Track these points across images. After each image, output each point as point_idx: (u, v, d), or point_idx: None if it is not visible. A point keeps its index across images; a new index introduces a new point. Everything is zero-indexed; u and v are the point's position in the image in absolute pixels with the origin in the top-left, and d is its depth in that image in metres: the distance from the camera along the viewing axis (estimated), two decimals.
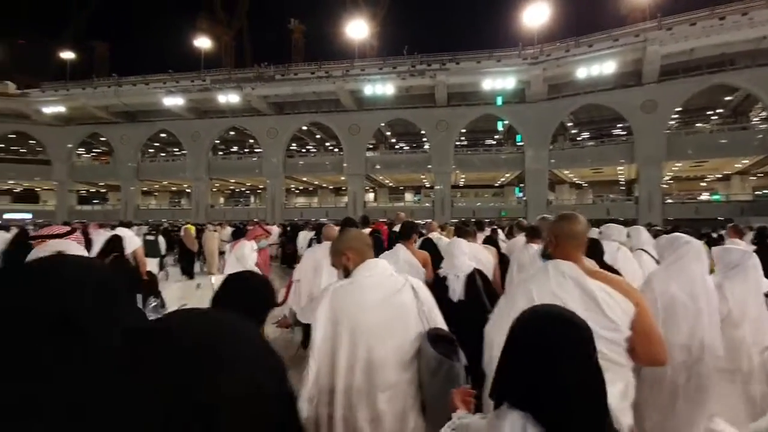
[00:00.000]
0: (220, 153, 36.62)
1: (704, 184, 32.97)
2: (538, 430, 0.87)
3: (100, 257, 3.83)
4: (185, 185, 35.28)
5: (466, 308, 3.06)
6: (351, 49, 32.57)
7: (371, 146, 32.65)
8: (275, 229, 11.62)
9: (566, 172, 30.60)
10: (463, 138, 33.17)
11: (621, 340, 1.53)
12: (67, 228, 1.92)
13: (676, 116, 25.76)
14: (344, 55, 30.94)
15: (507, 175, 32.79)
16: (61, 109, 31.61)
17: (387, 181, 37.73)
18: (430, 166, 28.79)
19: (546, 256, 1.77)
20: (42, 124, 32.74)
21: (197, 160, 31.54)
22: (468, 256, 3.36)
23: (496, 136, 34.79)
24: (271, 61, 30.17)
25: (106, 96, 31.10)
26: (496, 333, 1.62)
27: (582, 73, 23.94)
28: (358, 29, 33.34)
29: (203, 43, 36.95)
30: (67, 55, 37.47)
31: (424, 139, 31.06)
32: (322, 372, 1.66)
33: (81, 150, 37.43)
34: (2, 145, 35.98)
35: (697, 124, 28.27)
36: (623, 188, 36.10)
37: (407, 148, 35.31)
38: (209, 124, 31.92)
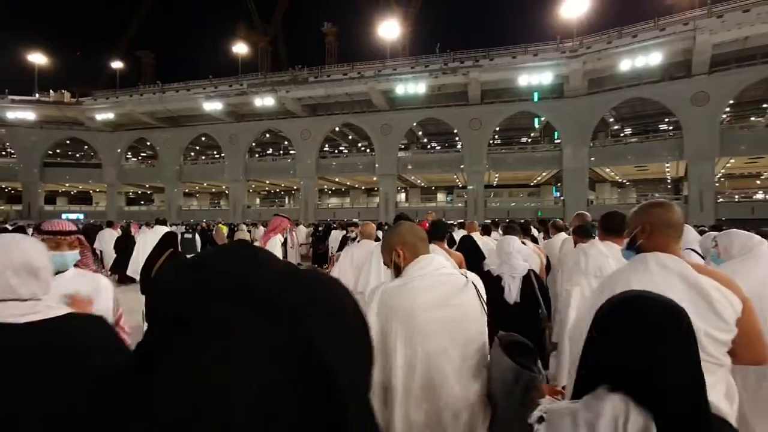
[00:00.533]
0: (257, 155, 37.68)
1: (759, 182, 30.65)
2: (643, 416, 0.83)
3: (156, 251, 3.96)
4: (224, 186, 36.58)
5: (522, 310, 2.95)
6: (383, 50, 32.71)
7: (403, 146, 32.60)
8: (302, 229, 11.75)
9: (608, 170, 29.31)
10: (497, 136, 32.49)
11: (729, 340, 1.41)
12: (74, 227, 1.97)
13: (729, 109, 24.05)
14: (377, 56, 31.11)
15: (543, 174, 31.80)
16: (110, 115, 33.60)
17: (419, 181, 37.54)
18: (462, 166, 28.38)
19: (635, 248, 1.59)
20: (94, 130, 34.93)
21: (235, 162, 32.62)
22: (523, 257, 3.22)
23: (531, 134, 33.86)
24: (305, 65, 30.74)
25: (151, 102, 32.73)
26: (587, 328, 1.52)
27: (625, 65, 22.75)
28: (390, 29, 33.40)
29: (240, 49, 38.26)
30: (117, 64, 40.00)
31: (457, 138, 30.66)
32: (375, 391, 1.45)
33: (129, 154, 39.70)
34: (59, 151, 38.74)
35: (751, 118, 26.29)
36: (670, 187, 34.22)
37: (439, 147, 34.99)
38: (246, 128, 32.94)
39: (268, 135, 36.19)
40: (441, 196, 40.28)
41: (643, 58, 22.26)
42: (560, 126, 26.33)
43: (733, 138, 22.71)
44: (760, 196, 27.07)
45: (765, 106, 26.64)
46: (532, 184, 36.46)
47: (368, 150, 32.89)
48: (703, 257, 3.06)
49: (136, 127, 35.10)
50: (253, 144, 35.77)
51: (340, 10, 55.66)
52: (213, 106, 31.49)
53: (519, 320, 2.67)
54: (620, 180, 34.17)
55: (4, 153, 37.30)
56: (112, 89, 36.17)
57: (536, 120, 28.43)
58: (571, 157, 25.84)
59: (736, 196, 26.55)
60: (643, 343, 0.89)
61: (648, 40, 22.09)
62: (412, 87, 27.24)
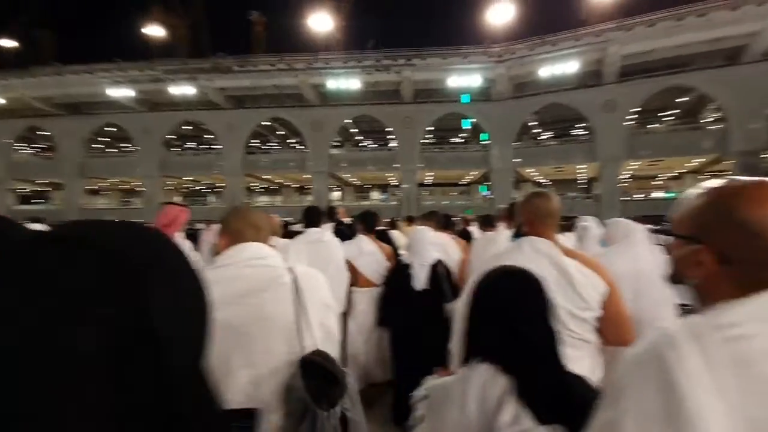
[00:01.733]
0: (176, 149, 34.53)
1: (659, 182, 34.24)
2: (506, 379, 0.93)
3: None
4: (134, 183, 33.09)
5: (428, 298, 3.12)
6: (315, 43, 31.51)
7: (336, 143, 31.75)
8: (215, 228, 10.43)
9: (530, 170, 30.87)
10: (429, 135, 32.86)
11: (591, 318, 1.54)
12: None
13: (635, 116, 26.39)
14: (308, 49, 29.80)
15: (473, 173, 32.77)
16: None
17: (353, 180, 36.91)
18: (397, 165, 28.24)
19: (520, 235, 1.72)
20: None
21: (149, 156, 29.54)
22: (435, 247, 3.35)
23: (462, 134, 34.72)
24: (229, 53, 28.58)
25: (46, 86, 28.50)
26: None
27: (545, 72, 24.05)
28: (322, 22, 32.28)
29: (155, 31, 34.72)
30: (6, 43, 34.31)
31: (391, 137, 30.48)
32: None
33: (22, 145, 34.40)
34: None
35: (653, 125, 29.16)
36: (583, 187, 37.02)
37: (374, 145, 34.60)
38: (161, 118, 29.93)
39: (188, 127, 33.32)
40: (376, 195, 40.06)
41: (561, 66, 23.65)
42: (488, 127, 27.18)
43: (638, 143, 24.91)
44: (659, 195, 30.17)
45: (664, 114, 29.76)
46: (462, 183, 37.51)
47: (300, 146, 31.60)
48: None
49: (30, 114, 30.44)
50: (172, 137, 32.76)
51: None
52: (122, 93, 28.20)
53: (425, 307, 3.05)
54: (542, 180, 36.31)
55: None
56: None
57: (466, 121, 29.10)
58: (498, 157, 26.79)
59: (639, 195, 29.40)
60: (504, 310, 0.99)
61: (566, 49, 23.47)
62: (345, 82, 26.49)
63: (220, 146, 29.78)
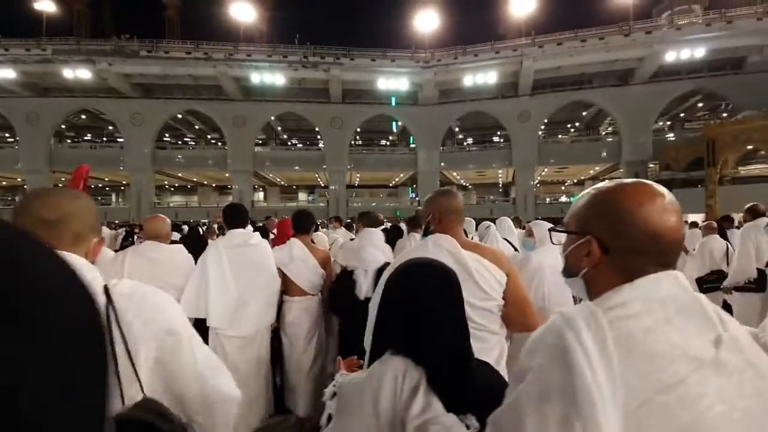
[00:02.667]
0: (68, 141, 30.23)
1: (563, 187, 37.80)
2: (418, 371, 0.93)
3: None
4: (20, 179, 28.38)
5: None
6: (236, 33, 29.70)
7: (260, 141, 30.17)
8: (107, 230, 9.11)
9: (455, 173, 32.16)
10: (358, 137, 32.68)
11: (494, 308, 1.60)
12: None
13: (545, 127, 28.72)
14: (228, 39, 27.91)
15: (401, 175, 33.26)
16: None
17: (278, 180, 35.42)
18: (324, 165, 27.61)
19: (429, 233, 1.75)
20: None
21: (34, 147, 25.44)
22: (380, 250, 3.13)
23: (390, 137, 35.08)
24: (135, 36, 25.66)
25: None
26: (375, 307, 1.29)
27: (468, 80, 25.22)
28: (244, 11, 30.54)
29: (46, 6, 30.11)
30: None
31: (318, 137, 29.76)
32: None
33: None
34: None
35: (559, 135, 32.10)
36: (501, 190, 39.57)
37: (300, 145, 33.52)
38: (52, 104, 25.97)
39: (84, 117, 29.39)
40: (303, 195, 38.87)
41: (482, 76, 25.00)
42: (415, 131, 27.76)
43: (547, 151, 27.15)
44: (564, 199, 33.25)
45: (569, 125, 32.87)
46: (391, 185, 37.90)
47: (219, 143, 29.48)
48: (516, 248, 3.74)
49: None
50: (63, 126, 28.64)
51: None
52: (2, 74, 23.97)
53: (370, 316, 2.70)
54: (464, 183, 38.06)
55: None
56: None
57: (394, 123, 29.44)
58: (424, 160, 27.46)
59: (548, 198, 32.15)
60: (415, 300, 0.99)
61: (486, 60, 24.83)
62: (269, 77, 25.23)
63: (124, 140, 26.64)
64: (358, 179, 34.78)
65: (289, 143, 34.38)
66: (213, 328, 2.67)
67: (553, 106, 26.36)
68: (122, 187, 33.87)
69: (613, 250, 0.73)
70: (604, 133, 30.93)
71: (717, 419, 0.59)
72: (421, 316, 0.96)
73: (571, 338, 0.63)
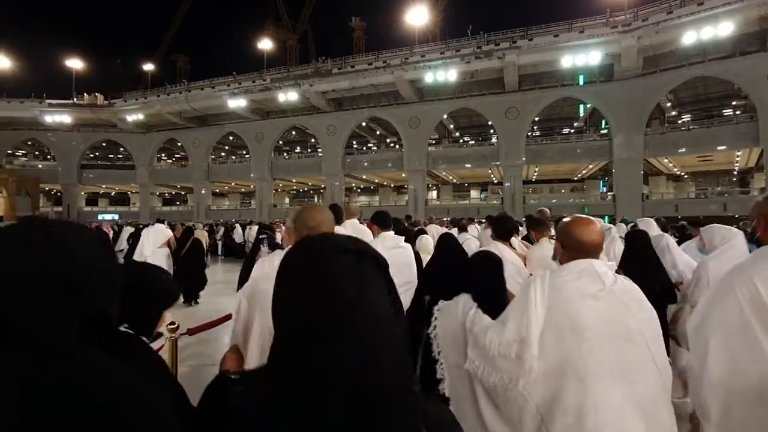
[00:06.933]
0: (284, 153, 37.00)
1: None
2: (471, 301, 1.71)
3: None
4: (252, 186, 36.21)
5: None
6: (412, 38, 30.93)
7: (433, 141, 30.71)
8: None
9: (665, 160, 26.10)
10: (536, 127, 29.93)
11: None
12: None
13: None
14: (405, 45, 29.33)
15: (590, 166, 28.96)
16: (140, 116, 33.84)
17: (451, 178, 35.50)
18: (497, 163, 26.16)
19: (754, 241, 1.50)
20: (126, 132, 35.41)
21: (261, 160, 31.97)
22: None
23: (575, 124, 31.00)
24: (329, 58, 29.48)
25: (177, 102, 32.63)
26: (710, 333, 1.31)
27: (689, 38, 19.77)
28: (418, 16, 31.58)
29: (266, 45, 37.65)
30: (148, 67, 40.76)
31: (492, 131, 28.43)
32: None
33: (163, 155, 40.16)
34: (98, 153, 39.79)
35: None
36: (735, 179, 30.38)
37: (472, 141, 32.75)
38: (271, 125, 32.20)
39: (294, 132, 35.34)
40: (474, 193, 38.07)
41: (711, 29, 19.19)
42: (610, 112, 23.55)
43: None
44: None
45: None
46: (575, 178, 33.56)
47: (397, 146, 31.29)
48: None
49: (167, 128, 35.26)
50: (280, 142, 35.05)
51: (368, 2, 54.07)
52: (237, 103, 30.91)
53: None
54: (678, 172, 30.65)
55: (49, 156, 38.65)
56: (142, 90, 36.53)
57: (582, 107, 25.70)
58: (622, 146, 23.04)
59: None
60: (482, 271, 1.84)
61: (718, 8, 19.00)
62: (442, 75, 25.21)
63: (322, 149, 30.92)
64: (536, 174, 31.89)
65: (461, 140, 34.02)
66: None
67: None
68: (321, 190, 39.60)
69: (566, 248, 1.54)
70: None
71: (588, 319, 1.33)
72: (486, 278, 1.81)
73: (535, 286, 1.42)
